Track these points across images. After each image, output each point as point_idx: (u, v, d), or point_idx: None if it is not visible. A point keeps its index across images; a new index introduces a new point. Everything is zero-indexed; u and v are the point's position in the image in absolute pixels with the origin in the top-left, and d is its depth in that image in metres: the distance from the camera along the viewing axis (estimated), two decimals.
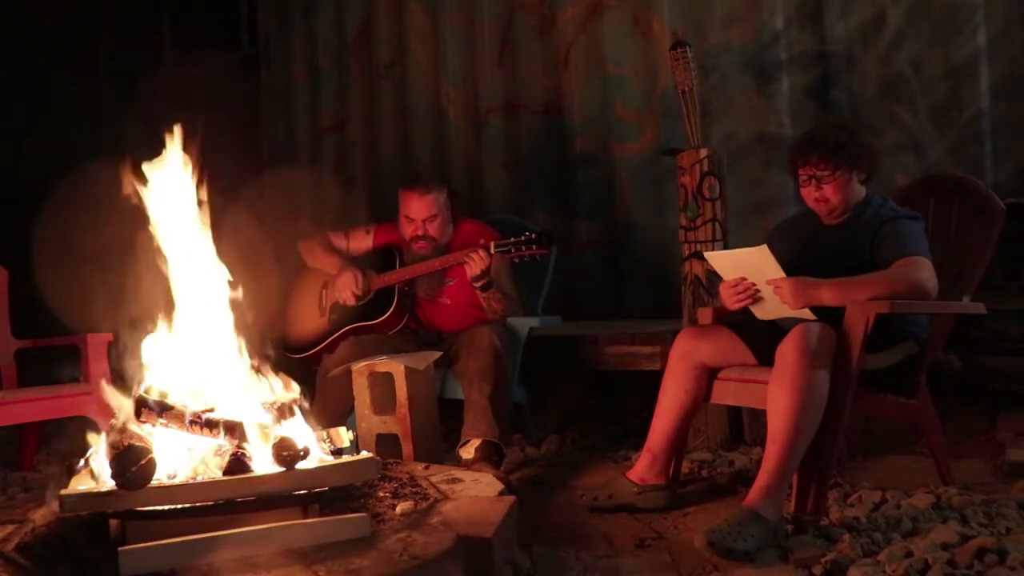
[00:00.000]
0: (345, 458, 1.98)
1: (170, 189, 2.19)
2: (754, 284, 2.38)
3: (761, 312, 2.45)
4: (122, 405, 1.97)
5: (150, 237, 2.16)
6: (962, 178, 2.65)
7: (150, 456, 1.75)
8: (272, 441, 1.87)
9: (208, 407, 1.97)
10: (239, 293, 2.17)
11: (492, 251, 2.98)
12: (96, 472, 1.86)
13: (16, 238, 4.13)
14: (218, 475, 1.84)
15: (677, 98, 3.22)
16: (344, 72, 5.21)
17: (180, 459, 1.91)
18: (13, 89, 5.43)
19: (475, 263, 2.96)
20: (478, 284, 3.04)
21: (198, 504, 1.77)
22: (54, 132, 5.47)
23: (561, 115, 4.44)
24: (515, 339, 3.16)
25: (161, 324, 2.12)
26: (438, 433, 2.93)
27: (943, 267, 2.43)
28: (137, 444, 1.77)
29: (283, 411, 2.00)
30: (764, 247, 2.32)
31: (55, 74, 5.79)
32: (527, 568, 1.96)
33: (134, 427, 1.88)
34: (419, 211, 3.16)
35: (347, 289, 3.19)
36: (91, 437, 1.96)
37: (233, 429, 1.89)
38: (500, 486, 2.17)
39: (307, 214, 4.93)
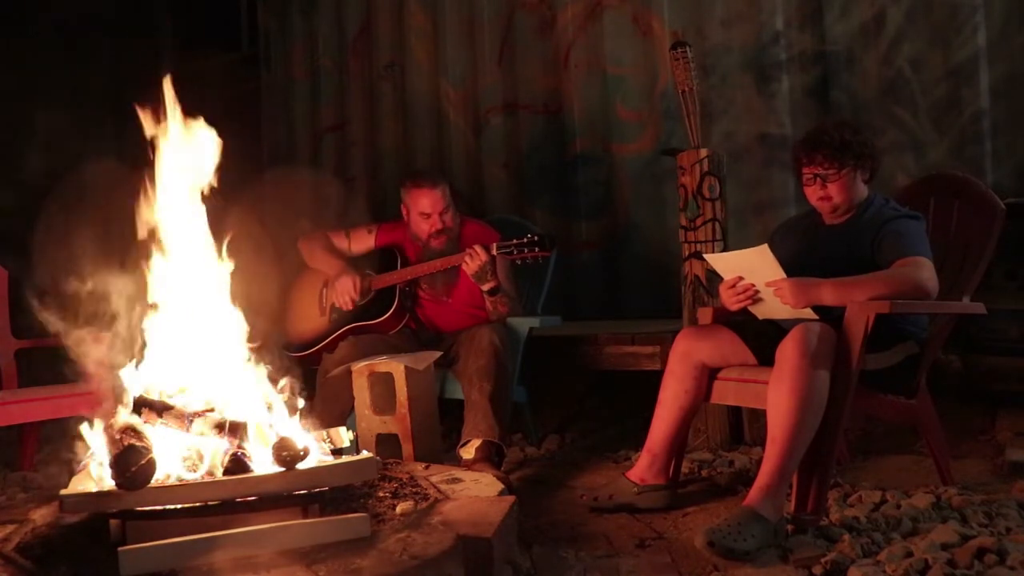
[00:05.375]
0: (345, 458, 1.98)
1: (172, 184, 2.19)
2: (753, 285, 2.38)
3: (761, 312, 2.45)
4: (122, 405, 1.97)
5: (151, 237, 2.16)
6: (962, 178, 2.65)
7: (150, 456, 1.75)
8: (272, 441, 1.87)
9: (208, 407, 1.97)
10: (239, 293, 2.17)
11: (494, 252, 2.98)
12: (96, 472, 1.86)
13: (16, 238, 4.13)
14: (218, 475, 1.84)
15: (677, 98, 3.22)
16: (344, 72, 5.22)
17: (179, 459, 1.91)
18: (12, 89, 5.43)
19: (471, 261, 2.96)
20: (486, 288, 3.03)
21: (198, 504, 1.77)
22: (54, 132, 5.47)
23: (561, 115, 4.44)
24: (515, 339, 3.16)
25: (161, 323, 2.12)
26: (438, 433, 2.93)
27: (943, 267, 2.44)
28: (137, 444, 1.77)
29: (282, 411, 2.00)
30: (765, 247, 2.32)
31: (54, 74, 5.79)
32: (527, 568, 1.96)
33: (134, 427, 1.88)
34: (434, 204, 3.16)
35: (346, 294, 3.19)
36: (91, 437, 1.95)
37: (233, 429, 1.89)
38: (500, 486, 2.17)
39: (307, 214, 4.93)
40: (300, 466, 1.84)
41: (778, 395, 2.14)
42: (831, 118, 3.66)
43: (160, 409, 1.92)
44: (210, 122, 2.26)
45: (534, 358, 3.29)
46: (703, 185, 3.09)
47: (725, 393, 2.51)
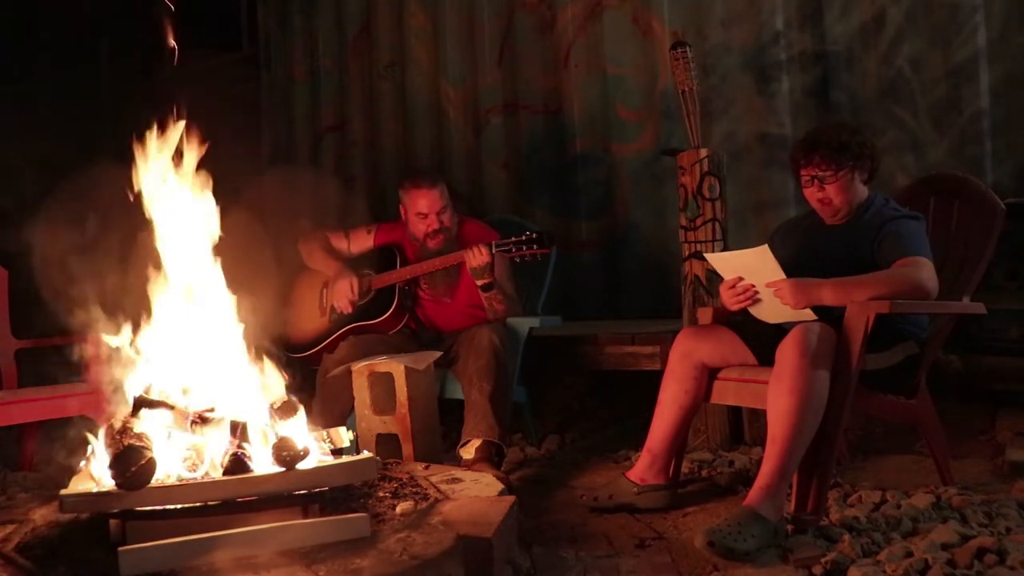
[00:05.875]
0: (345, 458, 1.98)
1: (171, 187, 2.19)
2: (753, 285, 2.38)
3: (760, 313, 2.45)
4: (122, 405, 1.97)
5: (149, 236, 2.16)
6: (962, 178, 2.65)
7: (150, 456, 1.75)
8: (272, 441, 1.87)
9: (208, 407, 1.97)
10: (239, 292, 2.17)
11: (493, 251, 2.99)
12: (96, 472, 1.86)
13: (16, 238, 4.13)
14: (218, 475, 1.84)
15: (677, 98, 3.22)
16: (344, 72, 5.22)
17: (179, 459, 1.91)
18: (13, 89, 5.43)
19: (475, 256, 2.97)
20: (481, 283, 3.05)
21: (198, 504, 1.77)
22: (54, 132, 5.47)
23: (561, 115, 4.44)
24: (515, 339, 3.16)
25: (160, 323, 2.12)
26: (438, 433, 2.93)
27: (943, 267, 2.44)
28: (137, 444, 1.77)
29: (283, 411, 2.00)
30: (765, 247, 2.32)
31: (55, 74, 5.79)
32: (527, 568, 1.96)
33: (134, 427, 1.88)
34: (431, 204, 3.16)
35: (344, 297, 3.19)
36: (91, 437, 1.95)
37: (233, 429, 1.89)
38: (500, 486, 2.17)
39: (307, 214, 4.93)
40: (300, 466, 1.84)
41: (778, 395, 2.14)
42: (831, 118, 3.66)
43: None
44: (210, 122, 2.26)
45: (534, 358, 3.29)
46: (703, 185, 3.09)
47: (725, 393, 2.51)
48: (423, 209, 3.16)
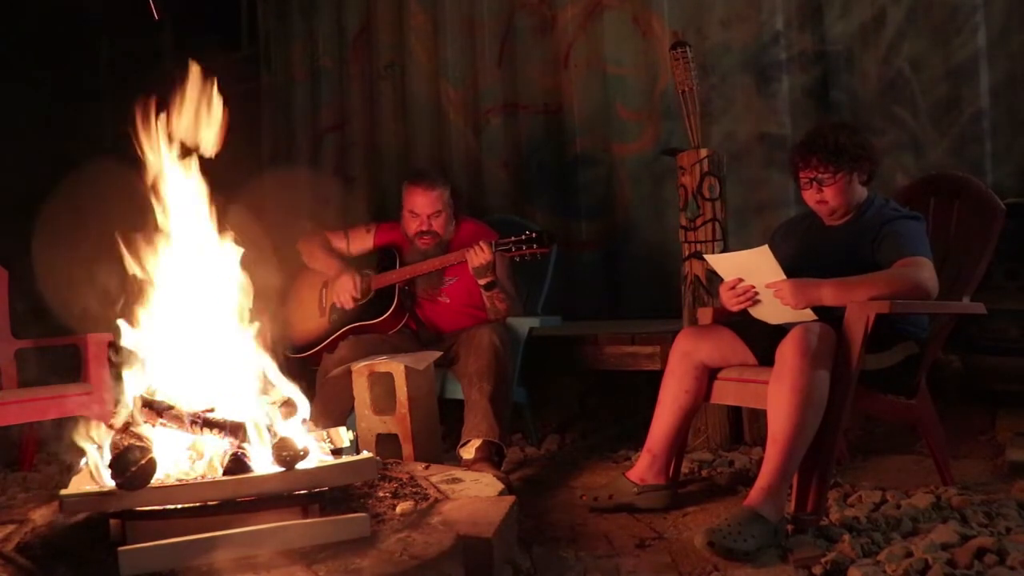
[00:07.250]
0: (345, 458, 1.98)
1: (173, 187, 2.20)
2: (753, 286, 2.38)
3: (760, 314, 2.45)
4: (122, 405, 1.97)
5: (150, 236, 2.16)
6: (962, 178, 2.65)
7: (150, 456, 1.75)
8: (272, 441, 1.87)
9: (208, 407, 1.97)
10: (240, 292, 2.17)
11: (493, 250, 2.99)
12: (96, 472, 1.86)
13: (16, 238, 4.14)
14: (218, 475, 1.84)
15: (677, 98, 3.23)
16: (344, 72, 5.22)
17: (180, 459, 1.91)
18: (13, 88, 5.43)
19: (477, 255, 2.97)
20: (483, 282, 3.05)
21: (198, 504, 1.77)
22: (55, 132, 5.48)
23: (561, 115, 4.45)
24: (515, 339, 3.16)
25: (160, 323, 2.12)
26: (438, 433, 2.93)
27: (943, 267, 2.44)
28: (137, 444, 1.77)
29: (283, 411, 2.00)
30: (765, 248, 2.31)
31: (55, 74, 5.79)
32: (527, 568, 1.96)
33: (134, 427, 1.88)
34: (424, 206, 3.16)
35: (345, 292, 3.19)
36: (91, 437, 1.95)
37: (234, 429, 1.89)
38: (500, 486, 2.17)
39: (307, 214, 4.94)
40: (300, 466, 1.84)
41: (778, 395, 2.14)
42: (831, 118, 3.66)
43: (160, 409, 1.92)
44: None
45: (534, 358, 3.29)
46: (703, 185, 3.09)
47: (725, 393, 2.51)
48: (416, 208, 3.17)
